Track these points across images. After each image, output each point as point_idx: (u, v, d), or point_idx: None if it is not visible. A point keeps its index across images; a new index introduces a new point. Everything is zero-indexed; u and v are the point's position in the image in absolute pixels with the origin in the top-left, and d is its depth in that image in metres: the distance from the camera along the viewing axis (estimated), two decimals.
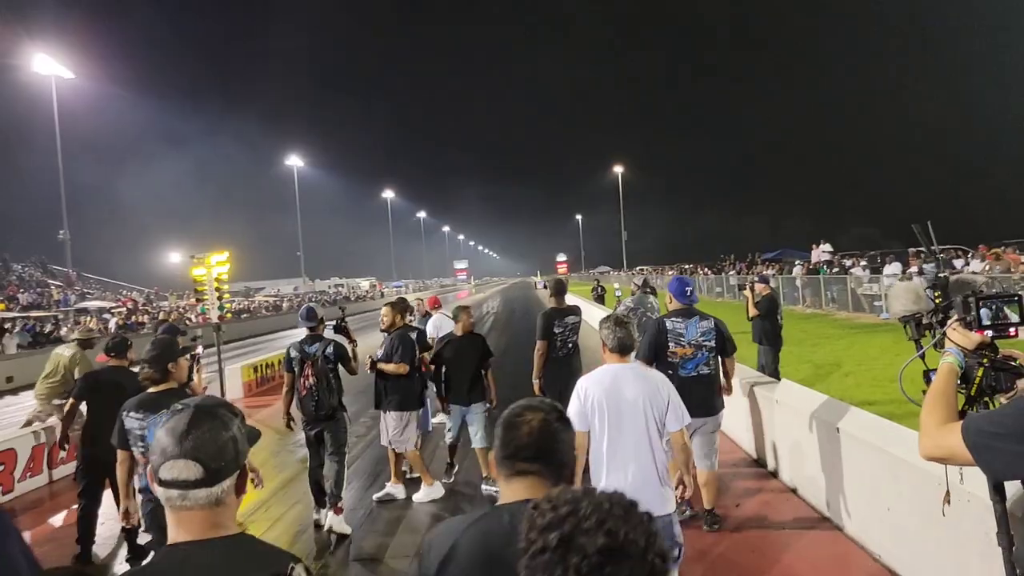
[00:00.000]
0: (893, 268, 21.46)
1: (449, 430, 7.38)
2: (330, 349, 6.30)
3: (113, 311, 35.75)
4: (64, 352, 8.74)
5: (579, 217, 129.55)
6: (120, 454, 4.19)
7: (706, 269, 45.32)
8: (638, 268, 71.00)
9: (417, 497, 6.86)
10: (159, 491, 1.44)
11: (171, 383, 4.21)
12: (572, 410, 3.62)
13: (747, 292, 10.37)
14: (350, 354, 6.49)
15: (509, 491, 1.75)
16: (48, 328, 29.28)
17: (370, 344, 8.99)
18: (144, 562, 1.48)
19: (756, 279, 10.63)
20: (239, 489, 1.51)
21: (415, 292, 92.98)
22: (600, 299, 29.46)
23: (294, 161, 65.97)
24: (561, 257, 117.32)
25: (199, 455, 1.42)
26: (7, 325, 26.67)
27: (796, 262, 32.98)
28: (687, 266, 54.46)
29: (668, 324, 5.56)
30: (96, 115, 56.45)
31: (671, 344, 5.51)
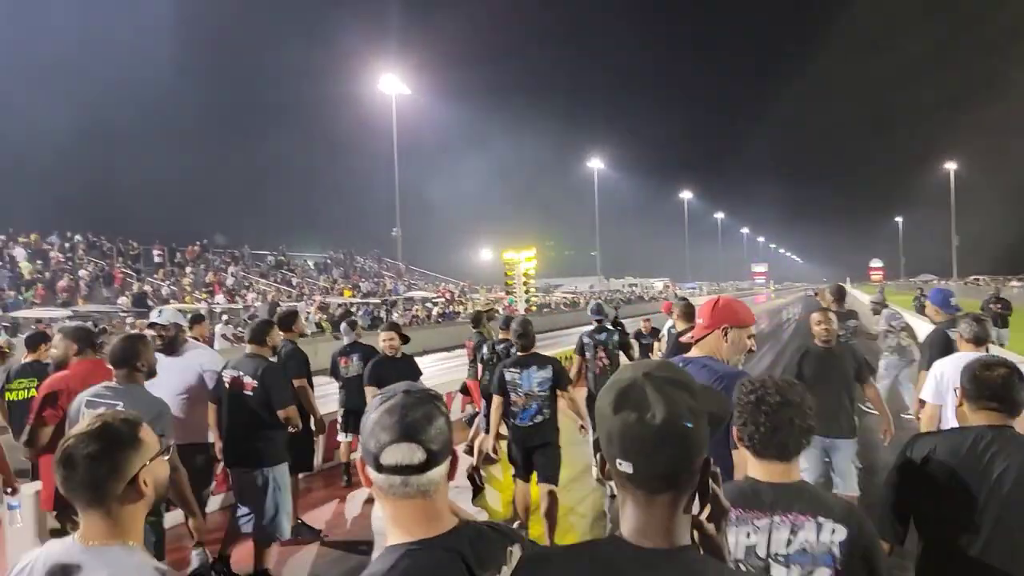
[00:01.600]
0: None
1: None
2: (616, 337, 7.56)
3: (434, 300, 39.97)
4: None
5: (899, 219, 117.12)
6: None
7: None
8: (972, 278, 62.14)
9: None
10: (379, 479, 1.37)
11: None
12: (929, 388, 4.11)
13: None
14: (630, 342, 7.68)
15: (975, 419, 2.47)
16: (382, 313, 33.50)
17: None
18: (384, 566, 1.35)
19: None
20: (450, 475, 1.47)
21: (707, 294, 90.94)
22: (920, 309, 26.45)
23: (595, 163, 68.14)
24: (875, 263, 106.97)
25: (420, 437, 1.37)
26: (352, 308, 31.11)
27: None
28: None
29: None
30: (422, 124, 63.27)
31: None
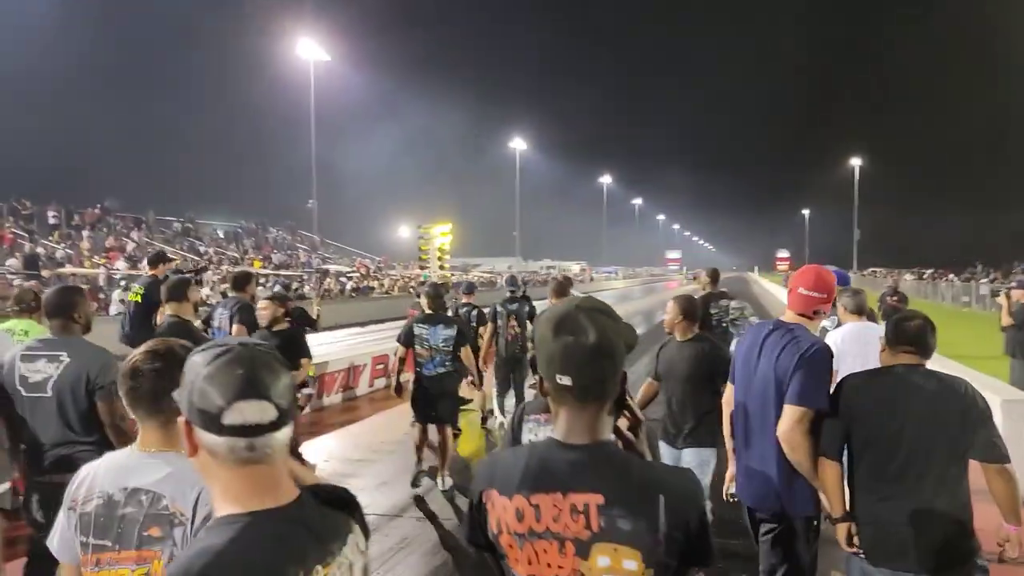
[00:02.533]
0: None
1: None
2: (526, 308, 8.30)
3: (349, 275, 39.27)
4: None
5: (806, 212, 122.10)
6: None
7: (951, 275, 40.75)
8: (870, 270, 65.47)
9: None
10: (219, 442, 1.22)
11: None
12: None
13: (1002, 299, 9.68)
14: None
15: (895, 361, 2.91)
16: (295, 285, 32.73)
17: None
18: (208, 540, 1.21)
19: (1014, 284, 9.78)
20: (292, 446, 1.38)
21: (624, 279, 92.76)
22: None
23: (517, 143, 68.10)
24: (782, 253, 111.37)
25: (269, 393, 1.23)
26: (262, 280, 30.27)
27: None
28: (928, 271, 49.31)
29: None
30: (340, 94, 61.77)
31: None
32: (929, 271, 49.54)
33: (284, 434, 1.27)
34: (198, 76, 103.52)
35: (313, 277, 36.40)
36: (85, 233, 32.39)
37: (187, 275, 5.45)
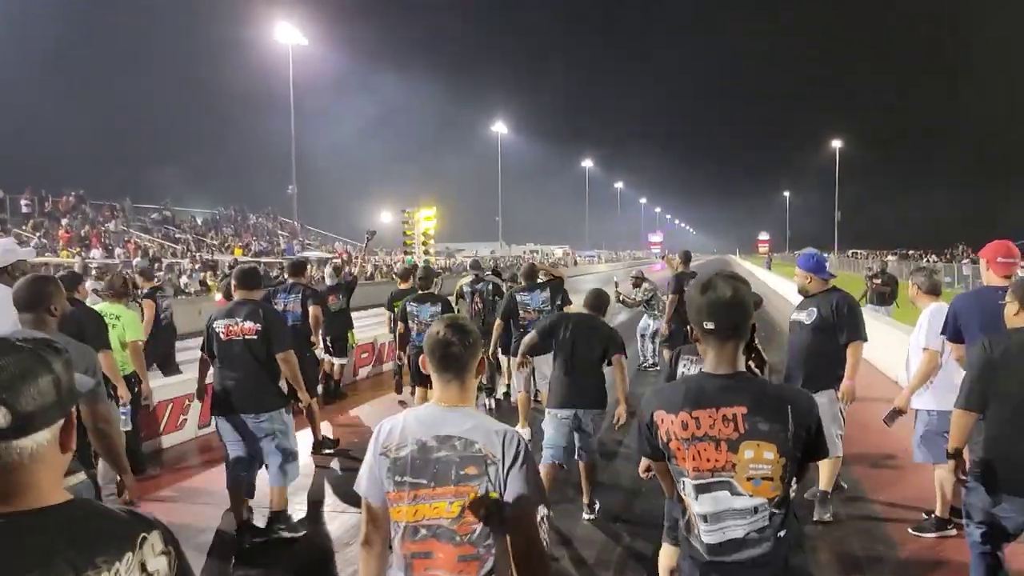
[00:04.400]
0: None
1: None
2: (490, 286, 9.38)
3: (330, 261, 38.88)
4: None
5: (787, 194, 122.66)
6: None
7: (933, 256, 41.03)
8: (851, 251, 65.86)
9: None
10: None
11: None
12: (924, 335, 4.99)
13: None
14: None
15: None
16: (275, 273, 32.31)
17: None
18: None
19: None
20: (64, 444, 1.24)
21: (606, 263, 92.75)
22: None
23: (499, 128, 67.68)
24: (763, 236, 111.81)
25: (4, 395, 1.14)
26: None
27: None
28: (911, 252, 49.65)
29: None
30: (319, 78, 60.96)
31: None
32: (911, 252, 49.85)
33: (32, 441, 1.17)
34: (172, 61, 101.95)
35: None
36: (63, 221, 31.78)
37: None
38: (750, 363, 2.25)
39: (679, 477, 2.17)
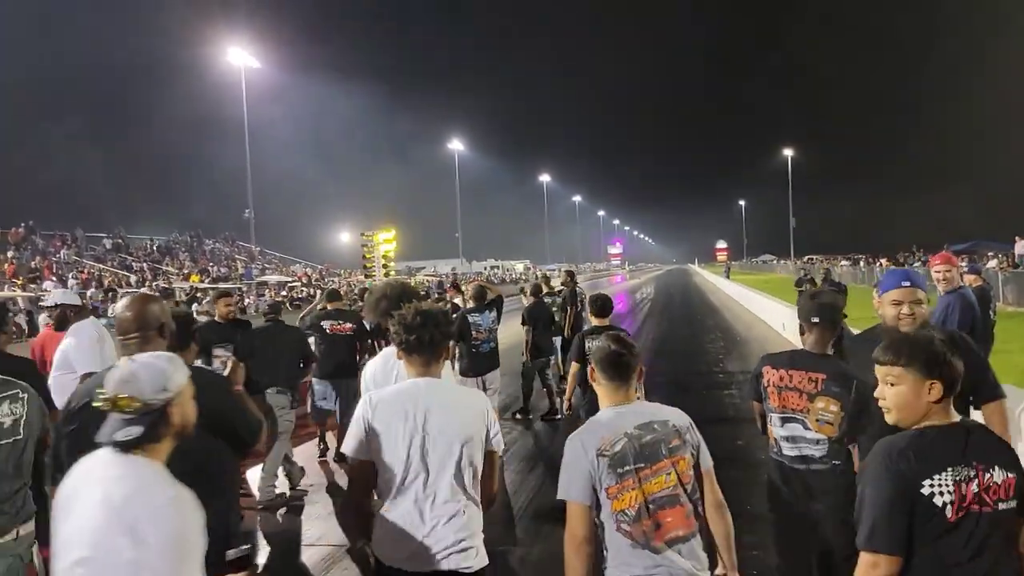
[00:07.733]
0: None
1: None
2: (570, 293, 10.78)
3: (291, 284, 38.47)
4: None
5: (742, 202, 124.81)
6: None
7: (883, 260, 42.08)
8: (807, 257, 67.22)
9: None
10: None
11: None
12: None
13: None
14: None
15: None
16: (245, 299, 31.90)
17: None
18: None
19: (965, 268, 8.83)
20: None
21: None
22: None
23: (455, 145, 67.82)
24: (721, 244, 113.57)
25: None
26: (199, 295, 29.32)
27: (990, 254, 29.86)
28: (862, 256, 50.83)
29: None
30: (273, 101, 60.49)
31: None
32: (862, 256, 51.03)
33: None
34: (122, 88, 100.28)
35: (252, 288, 35.57)
36: (10, 253, 31.01)
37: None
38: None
39: (769, 413, 3.38)
